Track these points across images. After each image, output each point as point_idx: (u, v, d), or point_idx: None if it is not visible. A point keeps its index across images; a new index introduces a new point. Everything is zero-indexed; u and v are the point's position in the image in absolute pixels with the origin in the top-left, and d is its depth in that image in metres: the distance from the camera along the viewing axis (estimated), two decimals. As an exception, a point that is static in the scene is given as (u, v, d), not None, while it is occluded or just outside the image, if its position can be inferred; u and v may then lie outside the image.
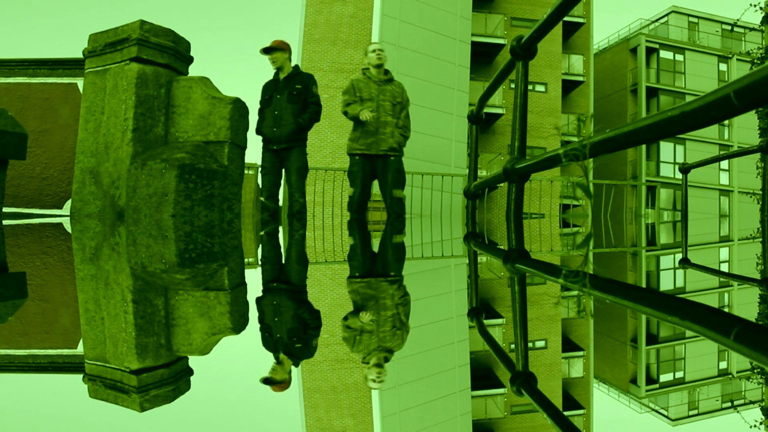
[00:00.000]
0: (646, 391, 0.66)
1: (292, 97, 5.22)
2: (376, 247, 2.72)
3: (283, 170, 5.41)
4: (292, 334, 0.88)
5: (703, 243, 3.65)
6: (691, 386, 0.68)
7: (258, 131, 5.38)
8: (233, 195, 4.44)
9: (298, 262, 1.95)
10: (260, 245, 2.68)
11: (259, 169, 9.02)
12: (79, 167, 4.46)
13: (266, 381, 0.64)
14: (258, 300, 1.15)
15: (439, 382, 0.67)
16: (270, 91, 5.33)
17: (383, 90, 5.18)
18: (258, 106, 5.45)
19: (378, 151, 5.15)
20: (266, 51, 5.30)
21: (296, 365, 0.71)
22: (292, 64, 5.38)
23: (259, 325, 0.92)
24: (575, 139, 23.59)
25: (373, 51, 5.25)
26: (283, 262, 1.98)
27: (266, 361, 0.74)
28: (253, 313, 1.04)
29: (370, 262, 1.98)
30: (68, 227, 3.56)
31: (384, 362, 0.73)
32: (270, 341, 0.82)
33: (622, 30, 32.32)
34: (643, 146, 27.90)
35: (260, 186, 8.73)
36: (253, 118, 4.85)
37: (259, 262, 1.89)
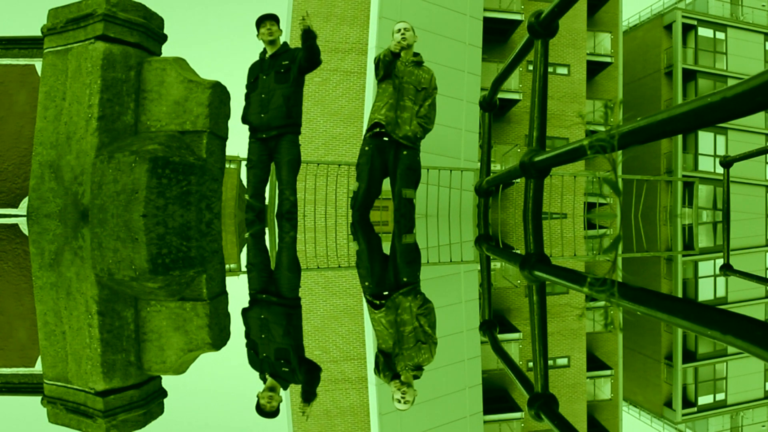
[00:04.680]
0: (683, 415, 0.66)
1: (279, 76, 5.15)
2: (387, 250, 2.73)
3: (272, 164, 5.37)
4: (279, 356, 0.87)
5: (748, 247, 3.65)
6: (734, 410, 0.68)
7: (244, 119, 5.30)
8: (212, 192, 4.45)
9: (289, 269, 1.96)
10: (245, 249, 2.68)
11: (244, 162, 9.01)
12: (38, 160, 4.47)
13: (261, 412, 0.63)
14: (244, 312, 1.15)
15: (446, 405, 0.67)
16: (256, 72, 5.25)
17: (410, 72, 5.16)
18: (244, 91, 5.33)
19: (393, 134, 5.10)
20: (264, 19, 5.21)
21: (284, 388, 0.71)
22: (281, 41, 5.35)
23: (245, 341, 0.91)
24: (602, 128, 23.56)
25: (398, 31, 5.21)
26: (272, 268, 1.98)
27: (251, 381, 0.74)
28: (238, 326, 1.04)
29: (380, 269, 1.99)
30: (25, 229, 3.56)
31: (413, 380, 0.73)
32: (256, 359, 0.82)
33: (655, 4, 32.34)
34: (679, 137, 27.89)
35: (244, 181, 8.71)
36: (236, 105, 4.79)
37: (244, 269, 1.90)
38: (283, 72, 5.17)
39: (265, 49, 5.31)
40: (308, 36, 5.15)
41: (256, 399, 0.65)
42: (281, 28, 5.34)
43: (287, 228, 4.45)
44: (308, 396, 0.76)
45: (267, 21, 5.23)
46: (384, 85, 5.16)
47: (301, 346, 0.93)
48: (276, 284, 1.60)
